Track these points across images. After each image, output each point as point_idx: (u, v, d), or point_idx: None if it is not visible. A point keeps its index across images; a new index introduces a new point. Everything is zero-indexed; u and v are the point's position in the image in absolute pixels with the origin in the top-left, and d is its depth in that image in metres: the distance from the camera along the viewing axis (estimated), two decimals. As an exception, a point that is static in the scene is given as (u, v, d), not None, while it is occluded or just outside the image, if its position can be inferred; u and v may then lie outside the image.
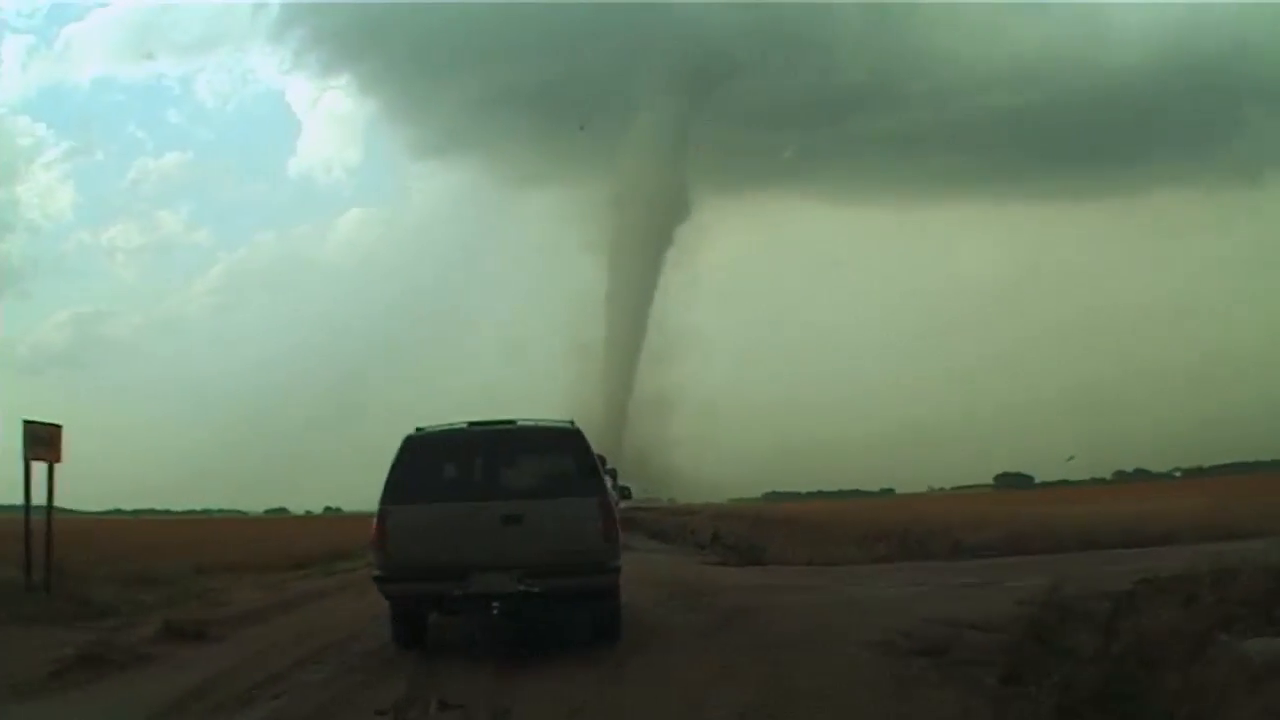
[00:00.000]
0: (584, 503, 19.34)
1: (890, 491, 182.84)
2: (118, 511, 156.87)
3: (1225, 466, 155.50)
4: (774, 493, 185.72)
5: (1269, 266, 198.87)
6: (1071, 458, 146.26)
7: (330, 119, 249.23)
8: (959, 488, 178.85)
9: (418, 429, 20.37)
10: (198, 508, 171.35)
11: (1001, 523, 40.99)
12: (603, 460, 22.19)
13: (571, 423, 20.94)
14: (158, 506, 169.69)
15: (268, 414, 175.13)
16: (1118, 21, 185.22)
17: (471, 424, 20.63)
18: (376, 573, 19.39)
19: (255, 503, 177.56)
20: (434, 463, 20.28)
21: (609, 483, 21.64)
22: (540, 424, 20.96)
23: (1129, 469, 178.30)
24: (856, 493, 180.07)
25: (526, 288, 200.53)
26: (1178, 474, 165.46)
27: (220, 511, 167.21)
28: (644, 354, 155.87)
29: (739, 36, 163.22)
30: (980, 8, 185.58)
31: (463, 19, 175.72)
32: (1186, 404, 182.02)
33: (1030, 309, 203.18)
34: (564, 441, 20.43)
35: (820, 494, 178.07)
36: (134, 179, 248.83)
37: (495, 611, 19.28)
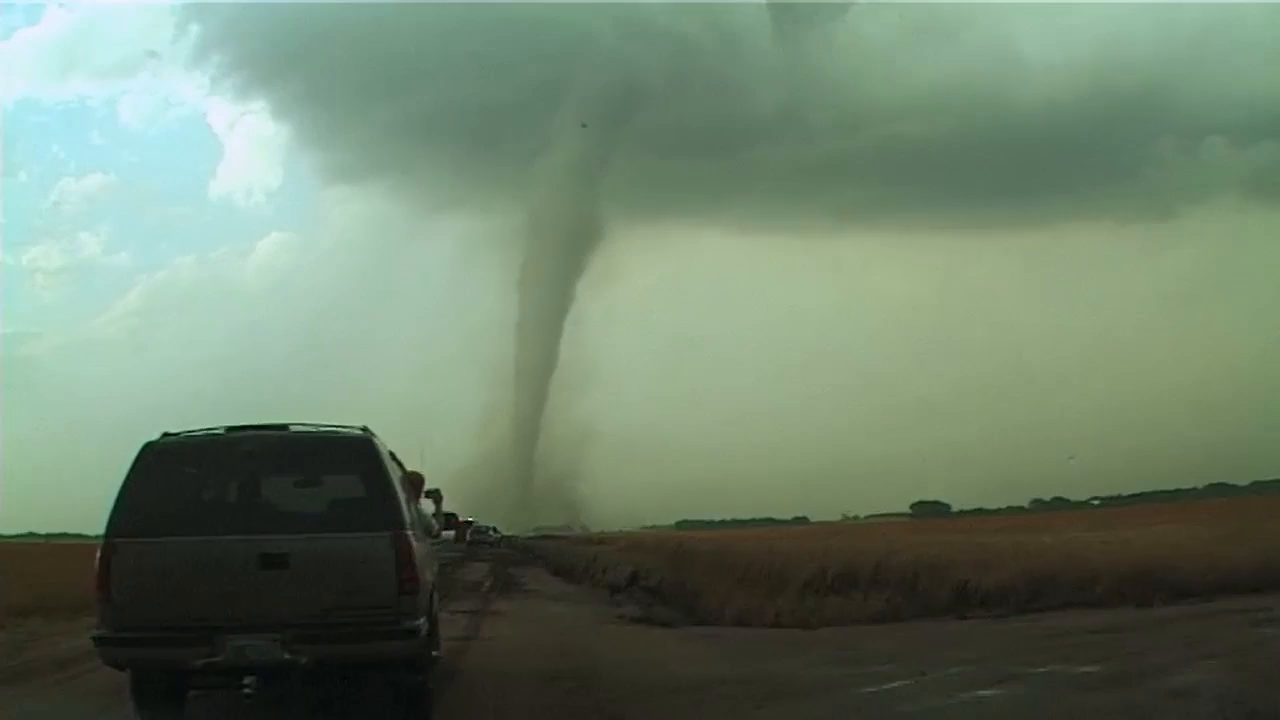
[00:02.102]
0: (372, 539, 13.26)
1: (804, 519, 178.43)
2: (31, 535, 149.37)
3: (1143, 495, 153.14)
4: (686, 521, 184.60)
5: (1179, 299, 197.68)
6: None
7: (249, 143, 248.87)
8: (874, 516, 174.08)
9: (164, 434, 14.17)
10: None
11: (989, 559, 30.51)
12: (418, 480, 17.99)
13: (364, 429, 14.73)
14: (72, 530, 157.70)
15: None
16: (1031, 56, 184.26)
17: (231, 429, 14.47)
18: (97, 632, 13.11)
19: None
20: (179, 481, 13.94)
21: (428, 510, 18.15)
22: (320, 431, 14.72)
23: (1046, 497, 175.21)
24: (769, 520, 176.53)
25: (439, 313, 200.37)
26: (1096, 502, 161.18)
27: None
28: (556, 381, 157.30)
29: (653, 68, 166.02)
30: (890, 39, 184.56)
31: (377, 47, 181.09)
32: (1102, 433, 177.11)
33: (942, 339, 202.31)
34: (350, 454, 14.26)
35: (734, 522, 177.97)
36: (56, 200, 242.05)
37: (247, 690, 13.34)
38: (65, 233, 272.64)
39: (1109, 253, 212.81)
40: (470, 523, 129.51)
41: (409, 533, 13.64)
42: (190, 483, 13.98)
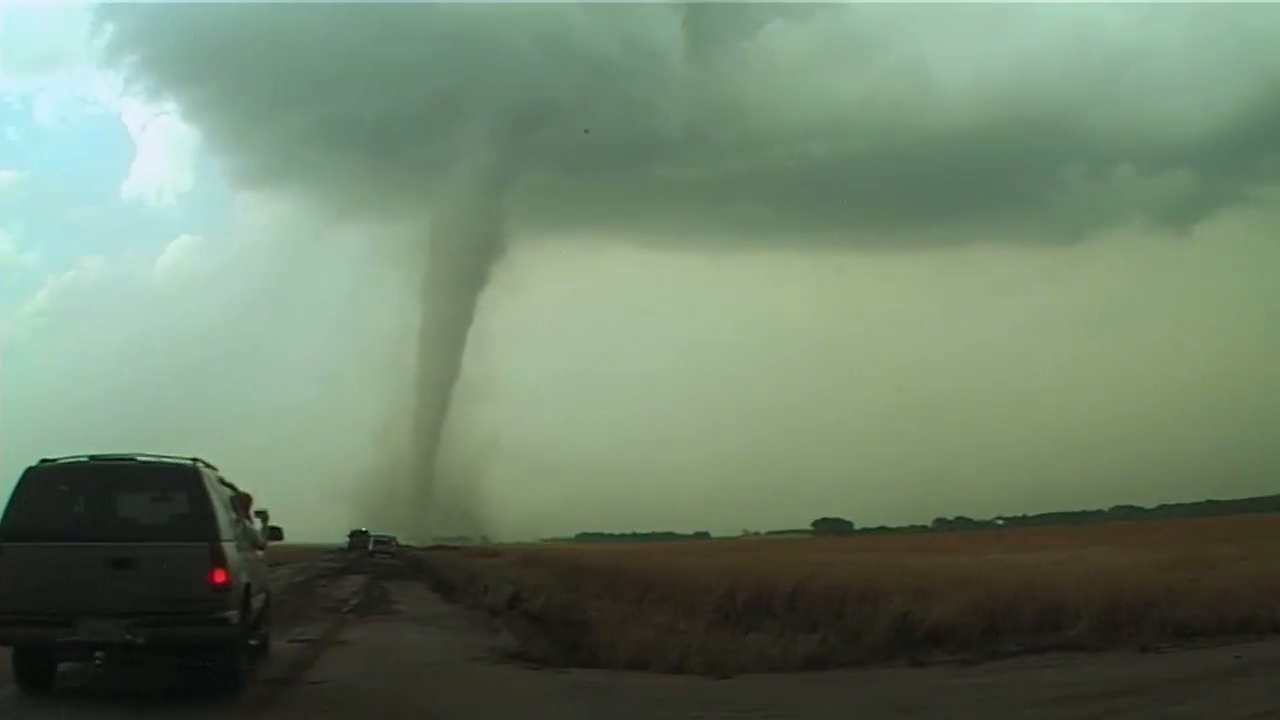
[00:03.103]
0: (194, 547, 16.67)
1: (705, 535, 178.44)
2: None
3: (1049, 516, 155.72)
4: (587, 534, 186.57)
5: (1085, 324, 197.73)
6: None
7: (161, 145, 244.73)
8: (775, 532, 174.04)
9: (42, 460, 17.45)
10: None
11: (925, 586, 25.32)
12: (246, 500, 20.93)
13: (193, 460, 18.14)
14: None
15: (87, 438, 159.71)
16: (944, 79, 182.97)
17: (93, 458, 17.64)
18: None
19: None
20: (52, 498, 17.21)
21: (254, 525, 21.26)
22: (156, 461, 17.85)
23: (950, 516, 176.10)
24: (670, 535, 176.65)
25: (344, 321, 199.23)
26: (1000, 522, 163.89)
27: None
28: (459, 392, 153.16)
29: (561, 84, 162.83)
30: (802, 59, 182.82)
31: (290, 52, 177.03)
32: (1006, 454, 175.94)
33: (847, 356, 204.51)
34: (180, 480, 17.63)
35: (635, 536, 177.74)
36: None
37: (98, 662, 16.62)
38: None
39: (1015, 276, 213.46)
40: (364, 532, 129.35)
41: (223, 543, 16.88)
42: (61, 500, 17.12)
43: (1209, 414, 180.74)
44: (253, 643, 19.32)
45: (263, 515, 22.65)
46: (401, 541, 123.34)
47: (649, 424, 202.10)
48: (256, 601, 19.49)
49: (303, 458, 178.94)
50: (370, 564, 79.95)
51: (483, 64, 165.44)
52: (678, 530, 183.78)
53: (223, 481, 18.86)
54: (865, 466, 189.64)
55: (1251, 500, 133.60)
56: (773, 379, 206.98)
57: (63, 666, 17.30)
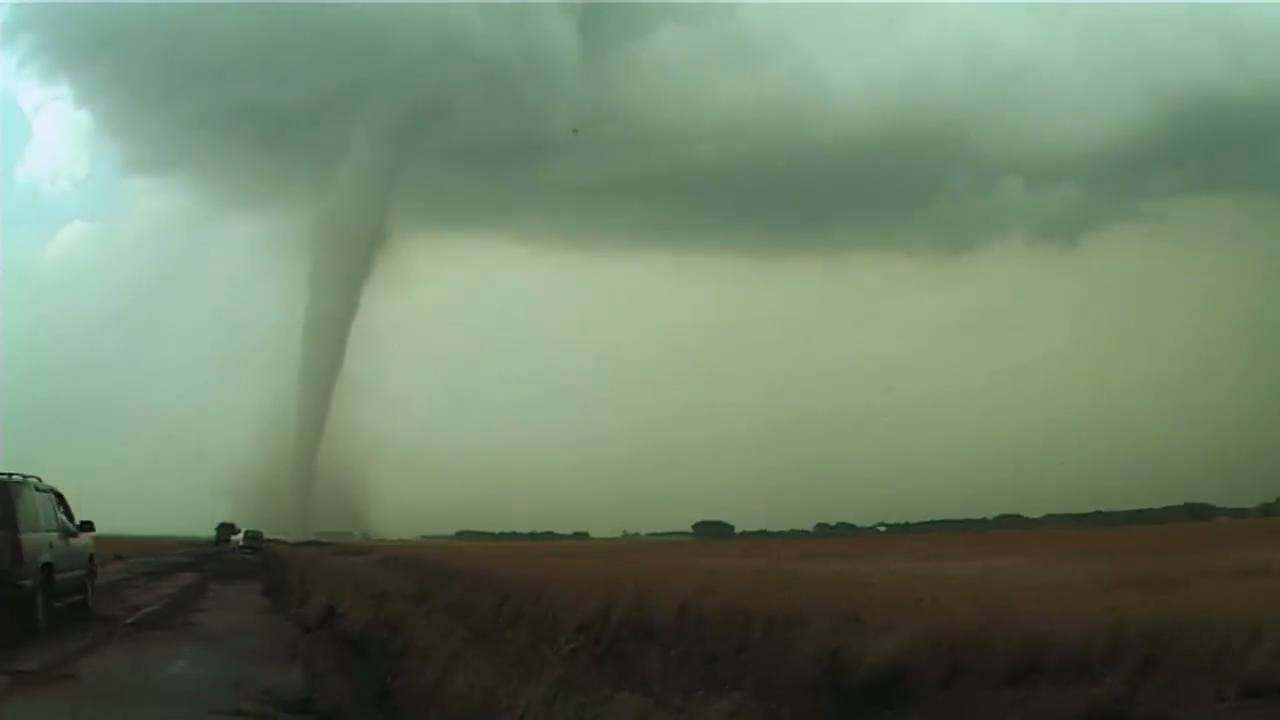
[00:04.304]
0: (2, 535, 22.68)
1: (585, 535, 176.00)
2: None
3: (931, 524, 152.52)
4: (467, 531, 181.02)
5: (967, 333, 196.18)
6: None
7: (55, 129, 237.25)
8: (656, 535, 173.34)
9: None
10: None
11: (851, 606, 18.52)
12: (60, 498, 27.09)
13: (10, 475, 24.12)
14: None
15: None
16: (835, 87, 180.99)
17: None
18: None
19: None
20: None
21: (45, 517, 25.34)
22: None
23: (831, 522, 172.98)
24: (550, 534, 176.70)
25: (231, 312, 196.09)
26: (882, 529, 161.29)
27: None
28: (341, 387, 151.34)
29: (449, 80, 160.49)
30: (692, 62, 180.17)
31: (184, 39, 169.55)
32: (888, 461, 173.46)
33: (723, 360, 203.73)
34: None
35: (514, 535, 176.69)
36: None
37: None
38: None
39: (899, 284, 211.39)
40: (231, 526, 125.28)
41: (19, 533, 22.89)
42: None
43: (1093, 424, 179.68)
44: (59, 603, 25.04)
45: (67, 512, 27.59)
46: (280, 536, 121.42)
47: (531, 423, 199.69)
48: (64, 576, 25.35)
49: (188, 450, 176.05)
50: (226, 559, 76.08)
51: (377, 60, 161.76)
52: (558, 530, 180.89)
53: (40, 488, 25.32)
54: (746, 470, 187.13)
55: (1138, 512, 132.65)
56: (655, 382, 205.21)
57: None
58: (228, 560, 75.14)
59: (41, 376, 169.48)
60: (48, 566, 23.87)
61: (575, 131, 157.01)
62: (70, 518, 27.50)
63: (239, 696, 15.95)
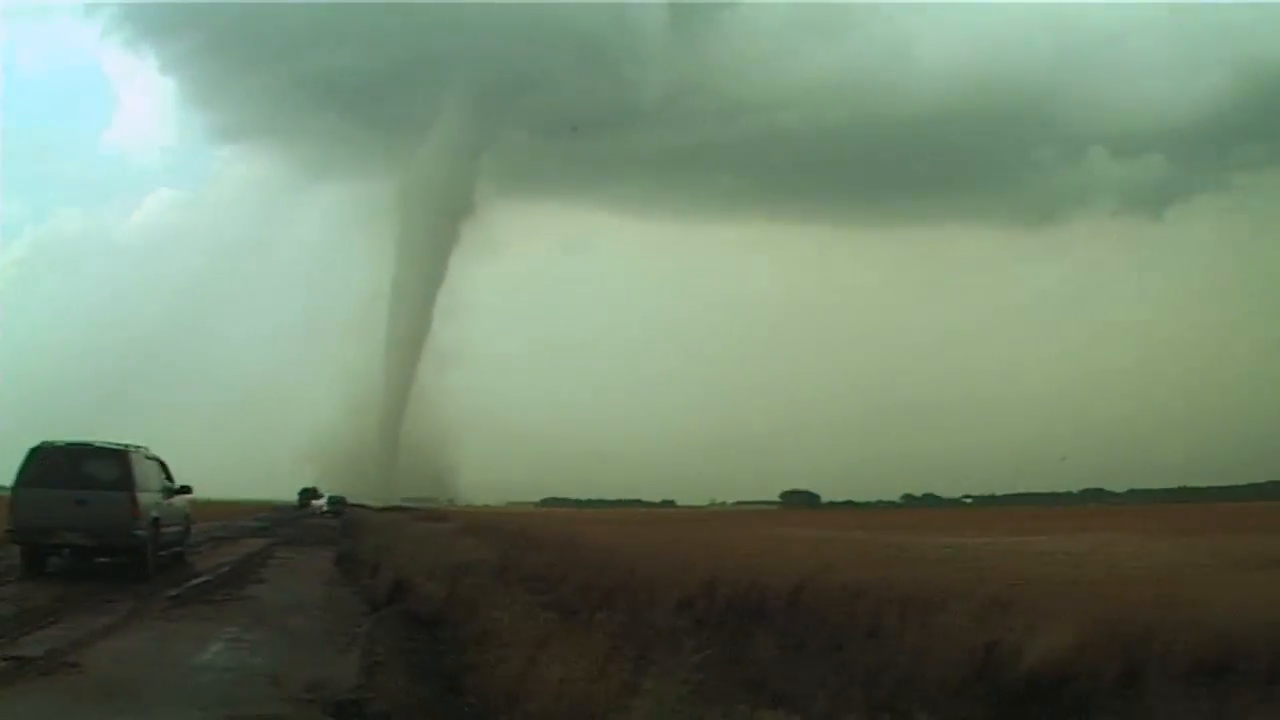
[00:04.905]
0: (120, 494, 26.76)
1: (671, 503, 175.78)
2: None
3: (1017, 496, 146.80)
4: (553, 498, 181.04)
5: (1054, 303, 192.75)
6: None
7: (142, 98, 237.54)
8: (743, 503, 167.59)
9: (43, 442, 27.46)
10: None
11: (999, 589, 15.65)
12: (162, 466, 30.63)
13: (126, 446, 28.30)
14: None
15: (56, 392, 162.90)
16: (923, 56, 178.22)
17: (70, 443, 27.87)
18: (9, 529, 26.77)
19: None
20: (48, 463, 27.25)
21: (153, 481, 29.21)
22: (104, 444, 28.17)
23: (918, 493, 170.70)
24: (637, 502, 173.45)
25: (317, 279, 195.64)
26: (969, 500, 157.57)
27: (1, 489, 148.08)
28: (430, 353, 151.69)
29: (540, 47, 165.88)
30: (781, 31, 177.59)
31: (270, 10, 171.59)
32: (976, 432, 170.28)
33: (817, 329, 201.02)
34: (115, 456, 27.71)
35: (600, 502, 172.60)
36: None
37: (65, 555, 27.48)
38: None
39: (986, 255, 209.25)
40: (314, 490, 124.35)
41: (137, 492, 26.94)
42: (53, 463, 27.07)
43: (1178, 398, 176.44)
44: (164, 553, 28.93)
45: (168, 476, 30.99)
46: (365, 501, 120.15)
47: (619, 391, 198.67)
48: (168, 530, 29.50)
49: (274, 415, 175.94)
50: (303, 524, 74.05)
51: (467, 30, 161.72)
52: (645, 498, 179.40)
53: (148, 456, 29.30)
54: (833, 440, 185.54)
55: (1226, 489, 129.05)
56: (744, 350, 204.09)
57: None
58: (305, 525, 72.99)
59: (129, 341, 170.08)
60: (155, 522, 28.01)
61: (575, 129, 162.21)
62: (171, 481, 31.33)
63: (274, 693, 12.57)
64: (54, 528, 26.09)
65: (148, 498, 27.47)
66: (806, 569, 18.93)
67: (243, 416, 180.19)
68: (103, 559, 27.48)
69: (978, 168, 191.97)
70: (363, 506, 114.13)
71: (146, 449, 29.36)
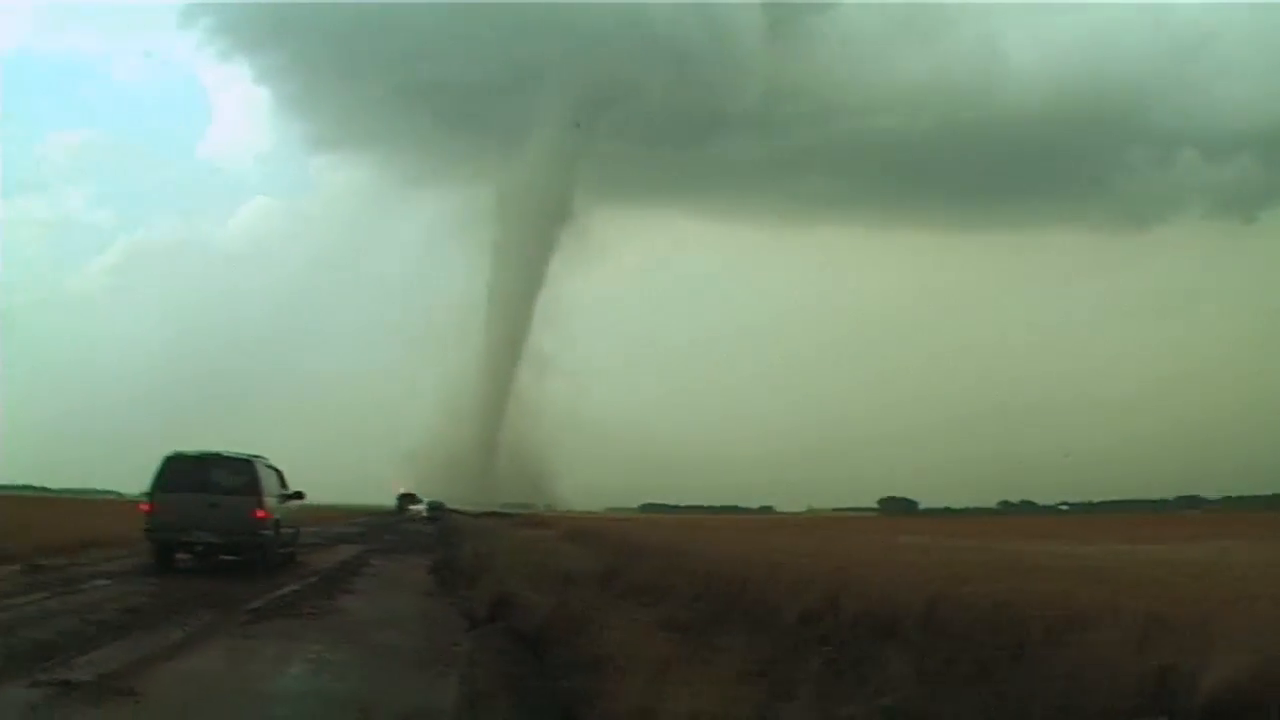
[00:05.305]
0: (247, 498, 29.71)
1: (769, 509, 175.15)
2: None
3: (1112, 504, 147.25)
4: (651, 504, 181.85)
5: (1151, 309, 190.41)
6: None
7: (238, 107, 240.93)
8: (840, 510, 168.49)
9: (175, 452, 30.08)
10: (76, 486, 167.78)
11: (1142, 612, 13.91)
12: (279, 474, 33.44)
13: (253, 456, 31.30)
14: (34, 483, 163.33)
15: (152, 397, 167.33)
16: (1016, 58, 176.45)
17: (200, 453, 30.59)
18: (146, 528, 29.34)
19: (132, 484, 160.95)
20: (180, 470, 29.71)
21: (274, 487, 32.39)
22: (232, 454, 30.93)
23: (1014, 500, 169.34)
24: (735, 508, 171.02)
25: (414, 285, 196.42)
26: (1064, 507, 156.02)
27: (99, 491, 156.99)
28: (529, 360, 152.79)
29: (633, 55, 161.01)
30: (874, 34, 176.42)
31: (365, 19, 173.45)
32: (1071, 437, 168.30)
33: (912, 334, 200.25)
34: (242, 464, 30.62)
35: (699, 508, 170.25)
36: (42, 154, 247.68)
37: (199, 551, 29.97)
38: (51, 187, 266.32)
39: (1077, 259, 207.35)
40: (412, 495, 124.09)
41: (263, 497, 29.94)
42: (184, 471, 29.57)
43: (1272, 402, 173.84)
44: (281, 551, 32.65)
45: (283, 483, 33.56)
46: (462, 507, 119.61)
47: (716, 397, 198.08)
48: (285, 531, 33.25)
49: (371, 421, 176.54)
50: (400, 530, 73.03)
51: (562, 38, 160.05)
52: (742, 504, 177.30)
53: (268, 465, 31.98)
54: (930, 447, 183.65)
55: None
56: (840, 355, 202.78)
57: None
58: (401, 531, 71.75)
59: (227, 349, 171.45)
60: (276, 524, 31.22)
61: (578, 125, 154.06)
62: (286, 488, 33.98)
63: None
64: (188, 528, 28.98)
65: (270, 502, 30.62)
66: (933, 581, 17.51)
67: (339, 422, 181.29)
68: (229, 556, 29.98)
69: (1069, 171, 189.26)
70: (460, 512, 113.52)
71: (266, 458, 32.14)
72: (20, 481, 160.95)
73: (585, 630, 14.90)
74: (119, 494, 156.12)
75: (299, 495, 35.22)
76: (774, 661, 12.49)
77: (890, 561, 26.52)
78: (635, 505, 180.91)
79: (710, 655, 12.58)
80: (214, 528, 28.89)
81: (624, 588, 21.16)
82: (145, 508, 29.48)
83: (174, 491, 28.98)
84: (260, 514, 29.64)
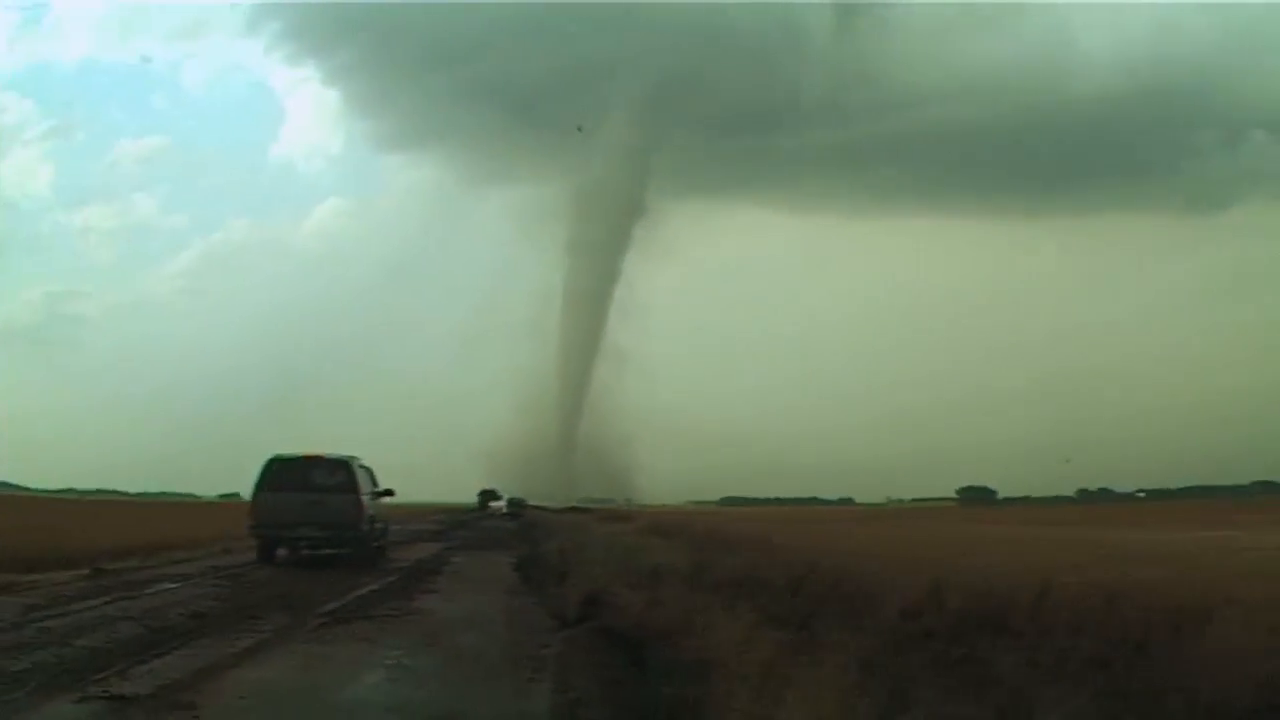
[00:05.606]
0: (347, 495, 32.20)
1: (849, 500, 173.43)
2: (69, 490, 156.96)
3: (1191, 490, 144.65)
4: (731, 497, 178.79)
5: (1221, 293, 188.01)
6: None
7: (306, 109, 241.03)
8: (919, 500, 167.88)
9: (276, 455, 32.68)
10: (153, 489, 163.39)
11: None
12: (371, 473, 35.22)
13: (350, 457, 33.72)
14: (111, 487, 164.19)
15: (228, 398, 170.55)
16: (1085, 43, 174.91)
17: (303, 455, 33.14)
18: (250, 525, 32.25)
19: (209, 486, 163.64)
20: (282, 471, 32.27)
21: (369, 485, 34.41)
22: (331, 455, 33.32)
23: (1092, 488, 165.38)
24: (815, 500, 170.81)
25: (487, 283, 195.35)
26: (1142, 494, 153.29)
27: (175, 494, 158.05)
28: (606, 355, 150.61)
29: (708, 49, 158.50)
30: (944, 22, 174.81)
31: (430, 16, 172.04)
32: (1145, 425, 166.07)
33: (981, 323, 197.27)
34: (340, 465, 33.05)
35: (779, 500, 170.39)
36: (113, 161, 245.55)
37: (303, 548, 32.24)
38: (121, 193, 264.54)
39: (1148, 243, 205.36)
40: (493, 492, 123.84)
41: (361, 494, 32.46)
42: (285, 471, 32.15)
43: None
44: (377, 543, 35.11)
45: (374, 481, 35.19)
46: (542, 503, 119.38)
47: (793, 388, 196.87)
48: (380, 525, 35.81)
49: (448, 418, 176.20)
50: (480, 527, 72.64)
51: (632, 32, 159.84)
52: (821, 495, 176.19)
53: (361, 465, 34.01)
54: (1007, 435, 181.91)
55: None
56: (914, 346, 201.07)
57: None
58: (482, 528, 70.87)
59: (303, 349, 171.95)
60: (371, 519, 33.42)
61: (580, 129, 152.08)
62: (377, 486, 35.58)
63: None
64: (292, 524, 31.48)
65: (366, 499, 32.92)
66: (1034, 571, 16.77)
67: (416, 420, 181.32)
68: (330, 550, 32.01)
69: (1138, 155, 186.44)
70: (540, 508, 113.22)
71: (360, 458, 34.35)
72: (94, 485, 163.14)
73: (684, 629, 13.99)
74: (195, 496, 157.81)
75: (389, 493, 36.76)
76: (882, 661, 11.62)
77: (976, 550, 25.82)
78: (715, 498, 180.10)
79: (818, 654, 11.71)
80: (316, 523, 31.40)
81: (716, 582, 20.16)
82: (250, 507, 32.32)
83: (278, 490, 31.68)
84: (358, 510, 32.01)
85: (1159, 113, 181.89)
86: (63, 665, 13.12)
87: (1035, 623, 12.60)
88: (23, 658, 13.53)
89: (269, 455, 32.64)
